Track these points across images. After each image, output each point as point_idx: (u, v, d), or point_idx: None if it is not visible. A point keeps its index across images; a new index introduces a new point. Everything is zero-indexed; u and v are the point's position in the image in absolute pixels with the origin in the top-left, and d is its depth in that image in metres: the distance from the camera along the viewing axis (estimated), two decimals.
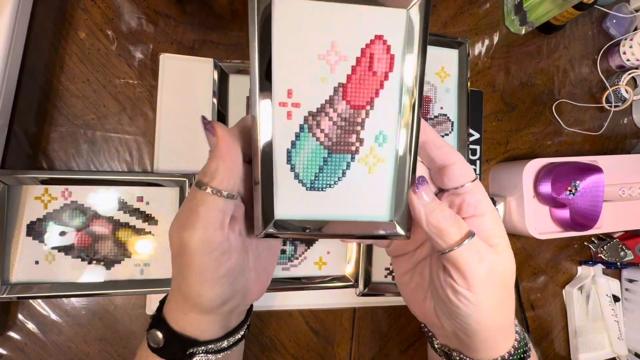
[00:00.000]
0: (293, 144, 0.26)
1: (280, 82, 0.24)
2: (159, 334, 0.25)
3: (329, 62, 0.24)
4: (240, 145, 0.24)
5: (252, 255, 0.28)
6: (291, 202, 0.26)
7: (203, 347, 0.26)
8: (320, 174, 0.26)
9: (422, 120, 0.25)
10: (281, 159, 0.26)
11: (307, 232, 0.26)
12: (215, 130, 0.23)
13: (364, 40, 0.24)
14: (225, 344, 0.27)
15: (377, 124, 0.26)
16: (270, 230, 0.26)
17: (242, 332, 0.29)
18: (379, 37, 0.24)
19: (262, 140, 0.25)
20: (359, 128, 0.26)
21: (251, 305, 0.31)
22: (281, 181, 0.26)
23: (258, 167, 0.25)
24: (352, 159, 0.26)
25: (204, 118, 0.23)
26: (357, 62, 0.25)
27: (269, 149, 0.25)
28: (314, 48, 0.24)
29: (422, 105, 0.26)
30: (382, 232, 0.27)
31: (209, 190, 0.23)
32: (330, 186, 0.26)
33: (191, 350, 0.25)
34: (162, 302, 0.28)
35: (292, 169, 0.26)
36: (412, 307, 0.31)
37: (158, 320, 0.26)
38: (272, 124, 0.25)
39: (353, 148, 0.26)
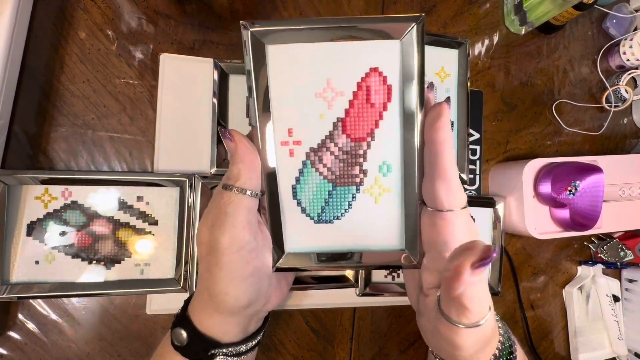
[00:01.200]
0: (297, 179, 0.26)
1: (280, 123, 0.25)
2: (184, 333, 0.26)
3: (325, 99, 0.25)
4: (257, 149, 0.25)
5: None
6: (300, 235, 0.27)
7: (224, 350, 0.26)
8: (327, 207, 0.27)
9: (440, 122, 0.24)
10: (287, 195, 0.26)
11: (318, 265, 0.27)
12: (233, 136, 0.24)
13: (359, 74, 0.25)
14: (243, 348, 0.28)
15: (379, 154, 0.26)
16: (282, 264, 0.27)
17: (258, 338, 0.30)
18: (374, 70, 0.25)
19: (268, 179, 0.26)
20: (361, 160, 0.26)
21: (268, 313, 0.32)
22: (289, 216, 0.27)
23: (267, 206, 0.26)
24: (357, 190, 0.27)
25: (221, 128, 0.25)
26: (354, 96, 0.25)
27: (274, 186, 0.26)
28: (310, 87, 0.25)
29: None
30: (392, 261, 0.27)
31: (234, 190, 0.24)
32: (337, 218, 0.27)
33: (213, 352, 0.26)
34: (187, 302, 0.28)
35: (299, 203, 0.27)
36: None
37: (182, 319, 0.27)
38: (276, 163, 0.26)
39: (357, 180, 0.26)
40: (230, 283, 0.24)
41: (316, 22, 0.24)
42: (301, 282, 0.42)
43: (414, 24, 0.23)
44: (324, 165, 0.26)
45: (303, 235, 0.27)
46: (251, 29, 0.24)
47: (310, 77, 0.25)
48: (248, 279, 0.25)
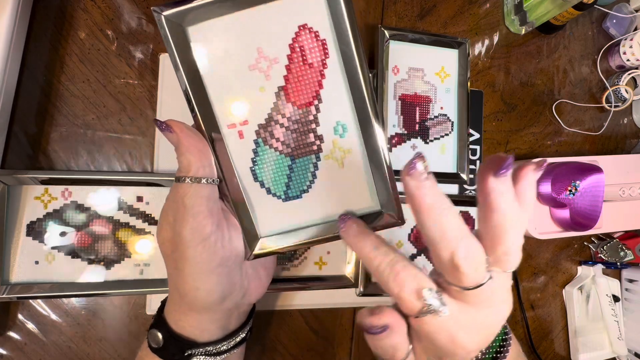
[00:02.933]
0: (254, 161, 0.25)
1: (221, 106, 0.24)
2: (159, 334, 0.25)
3: (261, 70, 0.23)
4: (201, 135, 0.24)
5: None
6: (271, 218, 0.26)
7: (201, 349, 0.25)
8: (291, 183, 0.25)
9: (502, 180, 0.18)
10: (248, 179, 0.25)
11: (297, 243, 0.26)
12: (172, 126, 0.23)
13: (288, 35, 0.23)
14: (224, 346, 0.27)
15: (331, 115, 0.24)
16: (258, 251, 0.25)
17: (242, 335, 0.28)
18: (303, 27, 0.23)
19: (223, 166, 0.24)
20: (313, 126, 0.24)
21: (253, 308, 0.31)
22: (255, 200, 0.25)
23: (228, 194, 0.25)
24: (317, 158, 0.25)
25: (156, 121, 0.23)
26: (289, 59, 0.23)
27: (232, 172, 0.24)
28: (242, 60, 0.23)
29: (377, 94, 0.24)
30: (373, 224, 0.25)
31: (187, 181, 0.23)
32: (305, 192, 0.25)
33: (190, 352, 0.25)
34: (164, 303, 0.28)
35: (262, 185, 0.25)
36: None
37: (158, 320, 0.26)
38: (228, 148, 0.24)
39: (314, 147, 0.25)
40: (199, 277, 0.24)
41: None
42: (301, 282, 0.42)
43: None
44: (277, 140, 0.24)
45: (274, 217, 0.26)
46: (164, 13, 0.22)
47: (239, 50, 0.23)
48: (217, 270, 0.24)
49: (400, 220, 0.25)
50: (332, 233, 0.25)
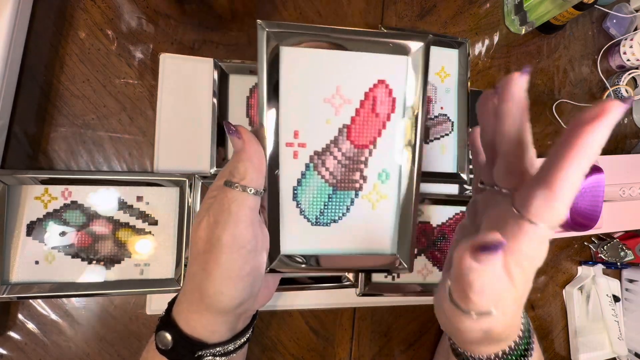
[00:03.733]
0: (299, 181, 0.27)
1: (286, 124, 0.26)
2: (168, 336, 0.25)
3: (333, 105, 0.26)
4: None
5: None
6: (297, 237, 0.27)
7: (211, 350, 0.26)
8: (325, 210, 0.27)
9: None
10: (287, 196, 0.27)
11: (311, 267, 0.27)
12: (241, 133, 0.24)
13: (367, 84, 0.26)
14: (231, 346, 0.27)
15: (379, 162, 0.27)
16: (276, 266, 0.27)
17: (247, 335, 0.29)
18: (381, 82, 0.26)
19: (270, 179, 0.26)
20: (362, 166, 0.27)
21: (256, 312, 0.31)
22: (287, 217, 0.27)
23: (265, 205, 0.27)
24: (356, 195, 0.27)
25: (227, 124, 0.24)
26: (360, 104, 0.26)
27: (276, 187, 0.26)
28: (320, 92, 0.26)
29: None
30: (384, 265, 0.28)
31: (239, 188, 0.24)
32: (334, 221, 0.27)
33: (199, 353, 0.25)
34: (171, 304, 0.28)
35: (298, 205, 0.27)
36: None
37: (167, 321, 0.26)
38: (280, 163, 0.26)
39: (357, 185, 0.27)
40: (226, 282, 0.24)
41: (331, 30, 0.25)
42: (301, 282, 0.42)
43: (422, 43, 0.25)
44: (327, 169, 0.27)
45: (299, 237, 0.27)
46: (267, 29, 0.24)
47: (321, 82, 0.25)
48: (245, 278, 0.25)
49: (410, 270, 0.28)
50: (347, 265, 0.28)
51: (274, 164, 0.26)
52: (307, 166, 0.27)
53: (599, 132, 0.18)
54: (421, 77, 0.26)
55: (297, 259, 0.27)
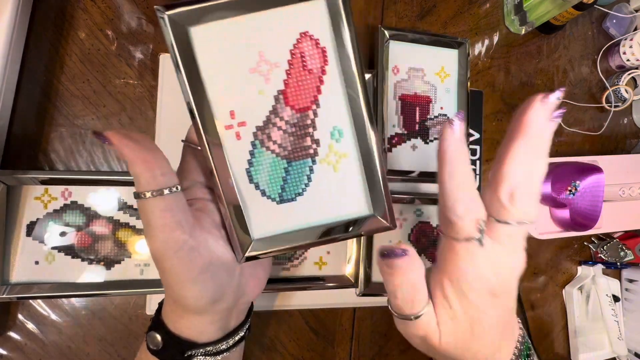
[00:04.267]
0: (250, 162, 0.25)
1: (219, 107, 0.24)
2: (158, 336, 0.25)
3: (261, 73, 0.24)
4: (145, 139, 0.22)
5: None
6: (265, 220, 0.26)
7: (201, 350, 0.25)
8: (286, 185, 0.26)
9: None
10: (243, 180, 0.25)
11: (290, 246, 0.26)
12: (109, 138, 0.21)
13: (290, 41, 0.24)
14: (224, 345, 0.27)
15: (328, 120, 0.25)
16: (251, 253, 0.26)
17: (241, 333, 0.28)
18: (304, 34, 0.24)
19: (218, 167, 0.24)
20: (310, 130, 0.25)
21: (251, 305, 0.31)
22: (249, 202, 0.26)
23: (222, 195, 0.25)
24: (313, 162, 0.25)
25: (95, 133, 0.21)
26: (289, 65, 0.24)
27: (227, 173, 0.25)
28: (243, 63, 0.24)
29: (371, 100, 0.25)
30: (365, 228, 0.26)
31: (142, 196, 0.22)
32: (299, 194, 0.26)
33: (189, 353, 0.25)
34: (161, 305, 0.27)
35: (257, 187, 0.25)
36: None
37: (157, 322, 0.26)
38: (224, 149, 0.24)
39: (311, 151, 0.25)
40: (182, 286, 0.23)
41: None
42: (301, 282, 0.42)
43: None
44: (274, 142, 0.25)
45: (268, 219, 0.26)
46: (168, 13, 0.22)
47: (241, 53, 0.23)
48: (199, 277, 0.24)
49: (392, 225, 0.26)
50: (325, 237, 0.26)
51: (218, 151, 0.24)
52: (253, 144, 0.25)
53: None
54: (345, 16, 0.23)
55: (271, 241, 0.26)
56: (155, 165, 0.22)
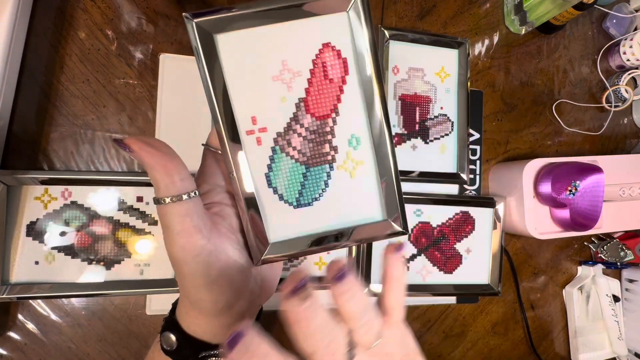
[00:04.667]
0: (269, 167, 0.26)
1: (242, 112, 0.25)
2: (172, 337, 0.25)
3: (284, 81, 0.25)
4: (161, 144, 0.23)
5: None
6: (282, 223, 0.27)
7: (215, 351, 0.26)
8: (304, 190, 0.26)
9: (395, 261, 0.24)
10: (262, 185, 0.26)
11: (306, 250, 0.26)
12: (129, 145, 0.21)
13: (312, 51, 0.25)
14: None
15: (346, 128, 0.26)
16: (268, 256, 0.26)
17: None
18: (326, 45, 0.25)
19: (239, 171, 0.25)
20: (329, 137, 0.26)
21: (261, 308, 0.31)
22: (267, 206, 0.26)
23: (241, 198, 0.26)
24: (331, 168, 0.26)
25: (115, 141, 0.22)
26: (311, 74, 0.25)
27: (247, 177, 0.25)
28: (267, 71, 0.24)
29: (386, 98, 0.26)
30: (378, 233, 0.27)
31: (161, 202, 0.22)
32: (316, 199, 0.26)
33: (203, 354, 0.25)
34: (175, 305, 0.28)
35: (275, 191, 0.26)
36: None
37: (171, 323, 0.26)
38: (245, 154, 0.25)
39: (329, 157, 0.26)
40: (200, 289, 0.24)
41: (262, 4, 0.23)
42: None
43: None
44: (294, 148, 0.26)
45: (285, 223, 0.27)
46: (195, 20, 0.23)
47: (265, 61, 0.24)
48: (217, 281, 0.24)
49: (405, 230, 0.27)
50: (340, 242, 0.27)
51: (240, 156, 0.25)
52: (273, 150, 0.26)
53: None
54: (367, 29, 0.24)
55: (288, 245, 0.27)
56: (174, 171, 0.22)
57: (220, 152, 0.26)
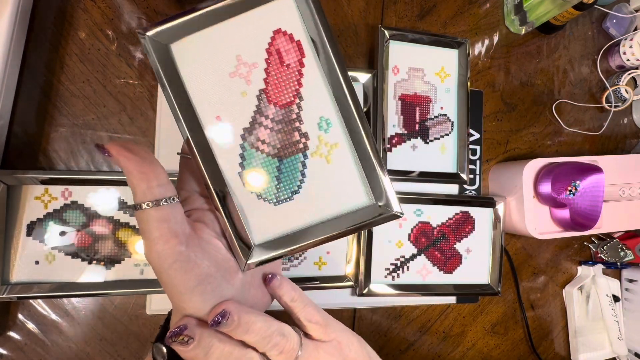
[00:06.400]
0: (242, 165, 0.25)
1: (205, 114, 0.24)
2: (163, 348, 0.25)
3: (241, 75, 0.24)
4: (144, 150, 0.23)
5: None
6: (264, 223, 0.25)
7: None
8: (281, 185, 0.25)
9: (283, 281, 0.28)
10: (237, 186, 0.25)
11: (293, 248, 0.25)
12: (108, 149, 0.21)
13: (265, 40, 0.24)
14: None
15: (313, 112, 0.25)
16: (253, 259, 0.25)
17: None
18: (277, 32, 0.24)
19: (210, 174, 0.24)
20: (297, 124, 0.25)
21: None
22: (246, 207, 0.25)
23: (217, 203, 0.24)
24: (305, 156, 0.25)
25: (97, 145, 0.22)
26: (267, 63, 0.24)
27: (220, 180, 0.24)
28: (223, 69, 0.24)
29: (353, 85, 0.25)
30: (368, 218, 0.25)
31: (138, 208, 0.22)
32: (296, 192, 0.25)
33: None
34: (170, 315, 0.27)
35: (252, 190, 0.25)
36: None
37: (164, 333, 0.26)
38: (215, 157, 0.24)
39: (300, 145, 0.25)
40: (180, 297, 0.23)
41: (206, 4, 0.23)
42: (301, 282, 0.42)
43: None
44: (263, 142, 0.25)
45: (267, 222, 0.25)
46: (148, 34, 0.23)
47: (219, 59, 0.24)
48: (197, 288, 0.23)
49: (398, 212, 0.25)
50: (328, 233, 0.25)
51: (210, 158, 0.24)
52: (242, 147, 0.25)
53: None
54: (314, 6, 0.24)
55: (274, 244, 0.25)
56: (152, 177, 0.22)
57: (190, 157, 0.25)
